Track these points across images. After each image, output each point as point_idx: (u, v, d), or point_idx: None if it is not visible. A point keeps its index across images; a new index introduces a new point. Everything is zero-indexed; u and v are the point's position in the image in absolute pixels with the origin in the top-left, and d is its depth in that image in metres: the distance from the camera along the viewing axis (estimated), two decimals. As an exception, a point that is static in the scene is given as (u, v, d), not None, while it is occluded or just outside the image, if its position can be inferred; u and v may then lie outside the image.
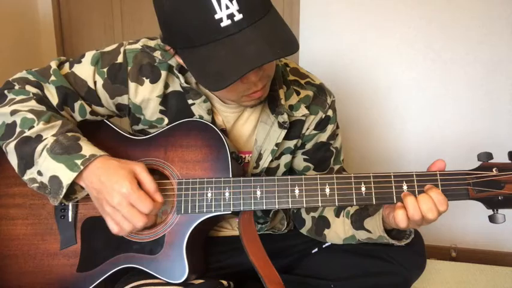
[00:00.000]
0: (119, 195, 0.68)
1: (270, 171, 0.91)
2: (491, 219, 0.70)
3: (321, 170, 0.94)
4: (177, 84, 0.83)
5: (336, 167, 0.96)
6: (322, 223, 0.90)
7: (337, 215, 0.88)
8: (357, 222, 0.83)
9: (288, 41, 0.66)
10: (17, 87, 0.79)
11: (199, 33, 0.64)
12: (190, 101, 0.82)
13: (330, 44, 1.66)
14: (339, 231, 0.87)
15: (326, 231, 0.90)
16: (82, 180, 0.72)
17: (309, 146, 0.92)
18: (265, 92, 0.78)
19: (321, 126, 0.90)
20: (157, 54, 0.81)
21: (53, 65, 0.81)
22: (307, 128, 0.90)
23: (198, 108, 0.82)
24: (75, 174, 0.69)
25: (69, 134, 0.74)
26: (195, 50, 0.66)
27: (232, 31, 0.63)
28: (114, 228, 0.71)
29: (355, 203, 0.72)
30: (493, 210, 0.70)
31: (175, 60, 0.80)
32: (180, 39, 0.67)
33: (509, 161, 0.69)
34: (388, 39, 1.60)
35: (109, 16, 1.92)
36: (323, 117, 0.90)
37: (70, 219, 0.81)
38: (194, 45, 0.65)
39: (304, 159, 0.93)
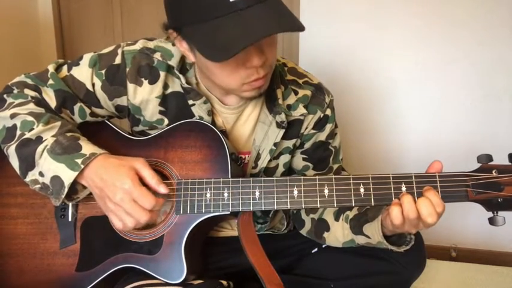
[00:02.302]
0: (121, 191, 0.69)
1: (268, 171, 0.91)
2: (491, 221, 0.69)
3: (320, 169, 0.94)
4: (177, 84, 0.83)
5: (335, 166, 0.96)
6: (322, 226, 0.90)
7: (337, 219, 0.88)
8: (356, 227, 0.83)
9: (294, 19, 0.68)
10: (15, 91, 0.80)
11: (208, 7, 0.64)
12: (190, 102, 0.82)
13: (330, 44, 1.65)
14: (338, 235, 0.87)
15: (325, 235, 0.89)
16: (84, 179, 0.72)
17: (307, 145, 0.92)
18: (265, 83, 0.77)
19: (319, 125, 0.90)
20: (157, 55, 0.81)
21: (51, 68, 0.82)
22: (306, 128, 0.90)
23: (198, 109, 0.82)
24: (76, 173, 0.70)
25: (69, 134, 0.75)
26: (201, 26, 0.66)
27: (240, 6, 0.63)
28: (118, 225, 0.71)
29: (353, 204, 0.72)
30: (493, 213, 0.69)
31: (176, 61, 0.80)
32: (187, 14, 0.67)
33: (509, 163, 0.69)
34: (388, 39, 1.60)
35: (109, 16, 1.92)
36: (321, 116, 0.90)
37: (70, 219, 0.82)
38: (201, 20, 0.66)
39: (303, 159, 0.93)
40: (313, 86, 0.90)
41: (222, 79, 0.75)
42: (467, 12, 1.51)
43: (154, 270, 0.76)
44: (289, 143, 0.90)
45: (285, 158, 0.91)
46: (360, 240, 0.83)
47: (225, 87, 0.78)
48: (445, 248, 1.67)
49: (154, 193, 0.72)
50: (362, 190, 0.72)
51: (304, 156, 0.93)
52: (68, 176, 0.70)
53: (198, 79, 0.84)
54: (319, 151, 0.93)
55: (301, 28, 0.66)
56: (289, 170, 0.96)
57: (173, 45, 0.82)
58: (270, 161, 0.88)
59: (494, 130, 1.58)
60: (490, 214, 0.70)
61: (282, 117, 0.85)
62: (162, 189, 0.72)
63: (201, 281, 0.78)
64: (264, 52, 0.71)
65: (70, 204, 0.82)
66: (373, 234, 0.78)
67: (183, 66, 0.83)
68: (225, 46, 0.64)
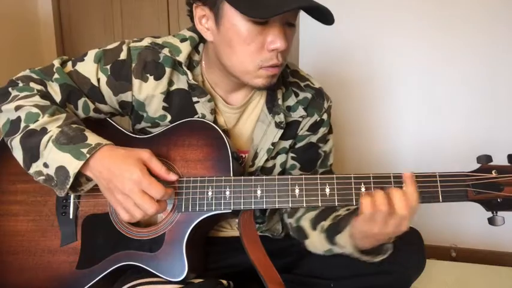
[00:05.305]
0: (130, 182, 0.68)
1: (265, 171, 0.91)
2: (491, 221, 0.69)
3: (306, 171, 0.94)
4: (182, 81, 0.83)
5: (321, 171, 0.96)
6: (300, 234, 0.90)
7: (314, 228, 0.87)
8: (331, 237, 0.82)
9: None
10: (20, 84, 0.80)
11: None
12: (195, 99, 0.82)
13: (329, 44, 1.66)
14: (317, 244, 0.86)
15: (307, 242, 0.89)
16: (89, 169, 0.72)
17: (299, 145, 0.93)
18: (277, 75, 0.78)
19: (314, 128, 0.91)
20: (165, 51, 0.81)
21: (56, 63, 0.82)
22: (301, 129, 0.91)
23: (202, 107, 0.83)
24: (81, 162, 0.69)
25: (74, 125, 0.75)
26: None
27: None
28: (124, 216, 0.71)
29: (354, 203, 0.72)
30: (492, 213, 0.70)
31: (184, 56, 0.81)
32: None
33: (509, 164, 0.69)
34: (388, 40, 1.60)
35: (109, 16, 1.92)
36: (317, 120, 0.91)
37: (71, 216, 0.82)
38: None
39: (292, 158, 0.93)
40: (314, 89, 0.91)
41: (243, 58, 0.74)
42: (468, 13, 1.52)
43: (155, 268, 0.76)
44: (286, 144, 0.91)
45: (281, 158, 0.92)
46: (337, 250, 0.82)
47: (242, 69, 0.75)
48: (445, 248, 1.68)
49: (163, 184, 0.72)
50: (363, 189, 0.72)
51: (293, 155, 0.93)
52: (73, 166, 0.70)
53: (204, 76, 0.85)
54: (308, 153, 0.93)
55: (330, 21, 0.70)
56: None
57: (181, 41, 0.82)
58: (267, 160, 0.89)
59: (493, 130, 1.58)
60: (490, 214, 0.70)
61: (280, 117, 0.85)
62: (172, 176, 0.73)
63: (201, 280, 0.78)
64: (287, 38, 0.73)
65: (72, 201, 0.82)
66: (345, 244, 0.78)
67: (190, 63, 0.83)
68: (268, 4, 0.65)
